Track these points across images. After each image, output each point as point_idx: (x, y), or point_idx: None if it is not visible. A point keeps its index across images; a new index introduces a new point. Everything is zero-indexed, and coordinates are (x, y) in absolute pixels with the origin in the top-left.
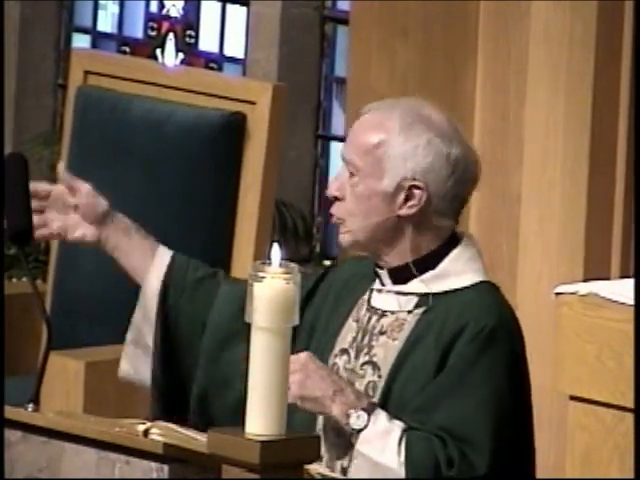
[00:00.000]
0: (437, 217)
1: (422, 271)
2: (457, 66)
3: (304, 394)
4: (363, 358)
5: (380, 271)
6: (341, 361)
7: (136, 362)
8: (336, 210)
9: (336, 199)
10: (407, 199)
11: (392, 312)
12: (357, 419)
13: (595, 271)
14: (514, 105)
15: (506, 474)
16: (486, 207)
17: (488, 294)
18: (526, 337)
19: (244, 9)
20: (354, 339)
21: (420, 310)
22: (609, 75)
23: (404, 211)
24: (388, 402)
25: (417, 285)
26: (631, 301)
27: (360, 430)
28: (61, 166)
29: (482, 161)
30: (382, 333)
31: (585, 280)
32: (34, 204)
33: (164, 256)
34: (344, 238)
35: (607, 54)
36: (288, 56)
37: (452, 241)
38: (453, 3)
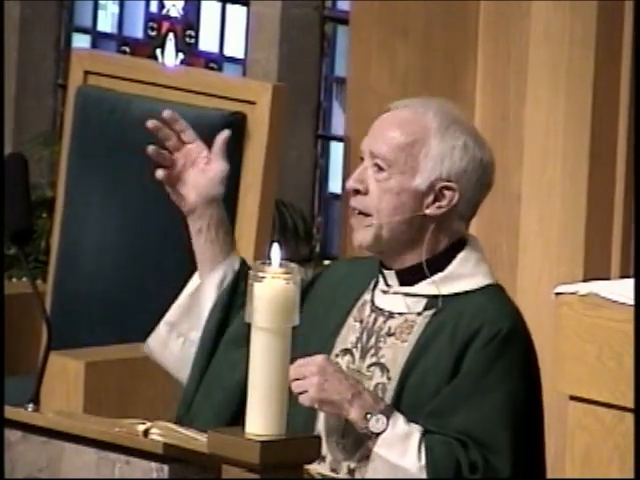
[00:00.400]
0: (457, 220)
1: (432, 273)
2: (457, 66)
3: (322, 397)
4: (370, 359)
5: (386, 272)
6: (343, 361)
7: (164, 345)
8: (358, 203)
9: (356, 192)
10: (436, 199)
11: (400, 314)
12: (376, 422)
13: (595, 271)
14: (514, 105)
15: (526, 477)
16: (486, 207)
17: (499, 297)
18: None
19: (244, 9)
20: (358, 340)
21: (430, 312)
22: (609, 75)
23: (431, 211)
24: (400, 404)
25: (427, 287)
26: (631, 301)
27: (379, 433)
28: (225, 133)
29: None
30: (390, 335)
31: (585, 280)
32: (172, 143)
33: (235, 262)
34: (366, 233)
35: (607, 54)
36: (288, 56)
37: (459, 243)
38: (453, 3)
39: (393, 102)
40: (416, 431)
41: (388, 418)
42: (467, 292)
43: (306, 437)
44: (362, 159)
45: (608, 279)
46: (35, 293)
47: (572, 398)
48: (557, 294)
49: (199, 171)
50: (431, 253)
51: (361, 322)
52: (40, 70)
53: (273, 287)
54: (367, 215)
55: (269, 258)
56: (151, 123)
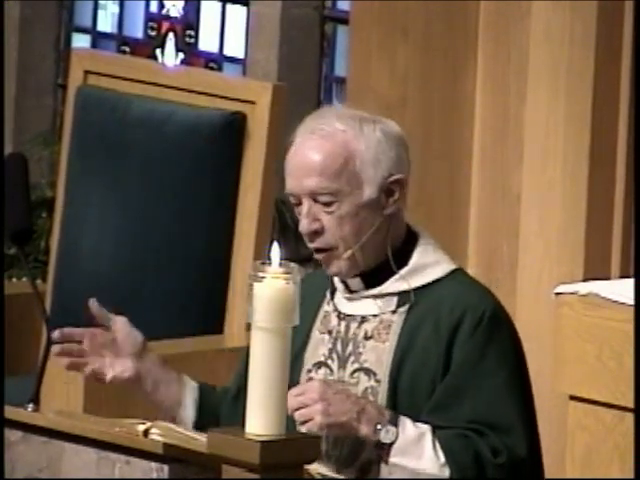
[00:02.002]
0: (404, 203)
1: (397, 268)
2: (457, 66)
3: (330, 421)
4: (352, 366)
5: (349, 279)
6: (318, 374)
7: None
8: (320, 243)
9: (314, 233)
10: (388, 197)
11: (374, 315)
12: (387, 433)
13: (595, 271)
14: (514, 105)
15: (536, 451)
16: (486, 207)
17: (470, 280)
18: (526, 337)
19: (244, 9)
20: (331, 350)
21: (404, 308)
22: (609, 75)
23: (389, 209)
24: (396, 404)
25: (395, 284)
26: (631, 301)
27: (392, 443)
28: (92, 302)
29: (482, 160)
30: (368, 338)
31: (585, 280)
32: (75, 348)
33: (192, 382)
34: (340, 264)
35: (607, 54)
36: (288, 56)
37: (410, 234)
38: (453, 3)
39: (294, 133)
40: (426, 431)
41: (396, 426)
42: (436, 280)
43: (306, 437)
44: (298, 203)
45: (608, 279)
46: (35, 293)
47: (572, 398)
48: (557, 294)
49: (110, 343)
50: (392, 249)
51: (330, 333)
52: (40, 70)
53: (273, 287)
54: (332, 249)
55: (269, 258)
56: (57, 350)
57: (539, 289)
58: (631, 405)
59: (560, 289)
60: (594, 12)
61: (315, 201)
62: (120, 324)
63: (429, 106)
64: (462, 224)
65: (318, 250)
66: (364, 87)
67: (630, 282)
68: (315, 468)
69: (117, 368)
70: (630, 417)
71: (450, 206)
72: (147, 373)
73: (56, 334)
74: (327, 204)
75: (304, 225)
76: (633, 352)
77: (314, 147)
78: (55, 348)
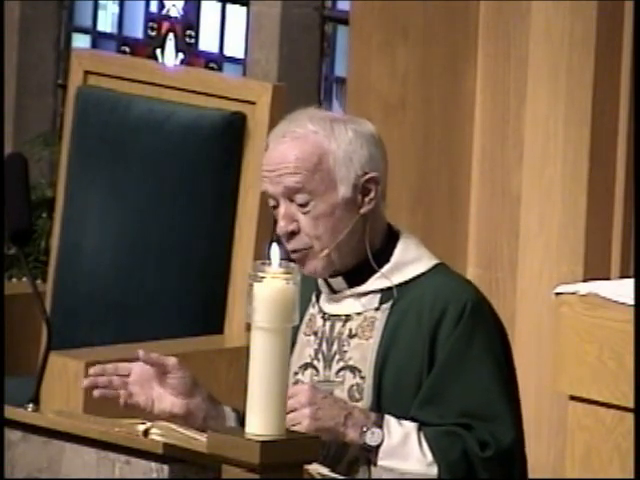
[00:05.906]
0: (382, 201)
1: (379, 266)
2: (457, 66)
3: (317, 426)
4: (337, 365)
5: (331, 279)
6: (304, 376)
7: None
8: (297, 244)
9: (291, 234)
10: (364, 195)
11: (358, 314)
12: (372, 436)
13: (595, 271)
14: (514, 105)
15: (521, 439)
16: (486, 207)
17: (452, 274)
18: (526, 337)
19: (244, 9)
20: (317, 351)
21: (387, 305)
22: (609, 75)
23: (365, 208)
24: (381, 399)
25: (378, 281)
26: (631, 301)
27: (378, 446)
28: (140, 353)
29: (482, 160)
30: (352, 336)
31: (585, 280)
32: (117, 381)
33: (232, 413)
34: (316, 263)
35: (607, 54)
36: (288, 56)
37: (392, 232)
38: (453, 3)
39: (267, 138)
40: (412, 430)
41: (381, 428)
42: (419, 276)
43: (306, 437)
44: (275, 206)
45: (608, 279)
46: (35, 293)
47: (572, 398)
48: (557, 294)
49: (155, 381)
50: (372, 247)
51: (315, 334)
52: (40, 70)
53: (273, 287)
54: (308, 249)
55: (269, 258)
56: (86, 382)
57: (539, 289)
58: (631, 405)
59: (560, 289)
60: (594, 12)
61: (291, 201)
62: (172, 365)
63: (429, 106)
64: (462, 224)
65: (294, 251)
66: (364, 87)
67: (630, 282)
68: (315, 468)
69: (166, 403)
70: (630, 417)
71: (450, 206)
72: (197, 409)
73: (96, 369)
74: (303, 204)
75: (281, 226)
76: (633, 352)
77: (287, 148)
78: (86, 382)
